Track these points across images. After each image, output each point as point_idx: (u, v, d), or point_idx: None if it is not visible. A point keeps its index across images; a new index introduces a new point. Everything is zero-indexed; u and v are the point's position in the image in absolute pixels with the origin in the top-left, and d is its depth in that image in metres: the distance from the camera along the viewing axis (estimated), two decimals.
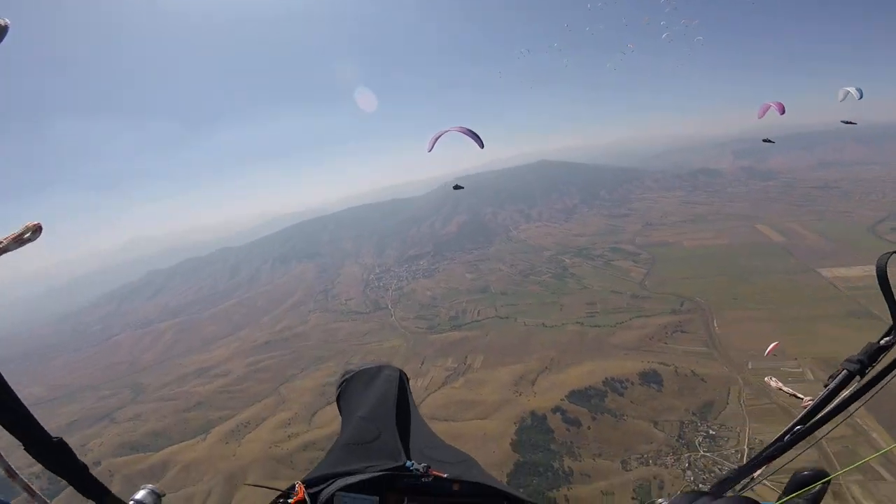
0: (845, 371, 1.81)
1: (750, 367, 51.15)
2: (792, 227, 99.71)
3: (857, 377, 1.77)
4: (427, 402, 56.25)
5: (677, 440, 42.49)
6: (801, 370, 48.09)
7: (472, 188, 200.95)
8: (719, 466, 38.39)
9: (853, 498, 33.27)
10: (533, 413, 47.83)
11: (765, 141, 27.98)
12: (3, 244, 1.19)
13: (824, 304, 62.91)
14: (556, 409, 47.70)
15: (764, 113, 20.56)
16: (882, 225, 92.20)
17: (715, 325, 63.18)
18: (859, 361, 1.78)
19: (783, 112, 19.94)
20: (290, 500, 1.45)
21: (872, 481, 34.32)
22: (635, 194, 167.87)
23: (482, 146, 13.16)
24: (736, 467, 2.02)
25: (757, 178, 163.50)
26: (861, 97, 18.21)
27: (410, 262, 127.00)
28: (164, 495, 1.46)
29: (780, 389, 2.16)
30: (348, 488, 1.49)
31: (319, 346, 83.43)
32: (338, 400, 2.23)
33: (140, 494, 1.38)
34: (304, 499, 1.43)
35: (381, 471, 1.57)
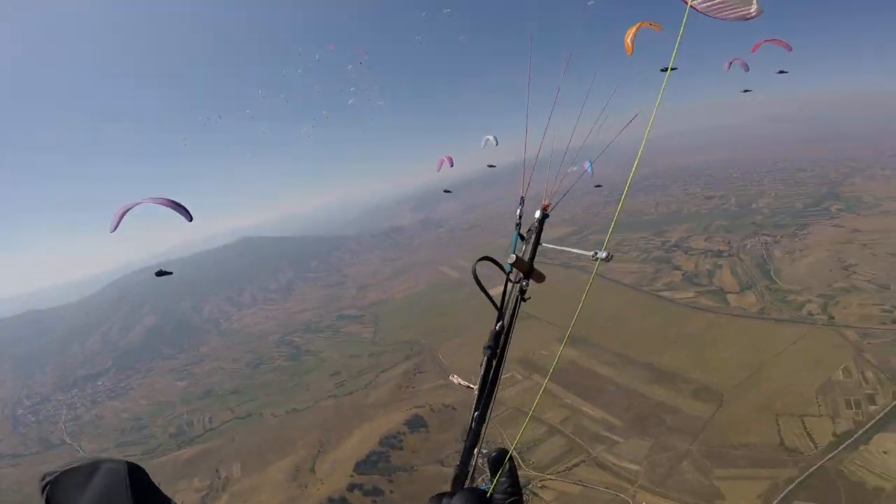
0: (485, 357, 2.40)
1: None
2: (461, 263, 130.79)
3: (495, 356, 2.37)
4: None
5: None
6: (509, 374, 60.17)
7: (153, 283, 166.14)
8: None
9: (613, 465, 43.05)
10: (330, 499, 44.10)
11: (445, 191, 34.24)
12: None
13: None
14: (351, 487, 45.32)
15: (441, 166, 24.40)
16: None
17: (441, 357, 73.88)
18: (490, 347, 2.43)
19: (452, 165, 24.39)
20: None
21: (615, 445, 45.65)
22: (344, 260, 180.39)
23: (190, 219, 11.15)
24: (456, 465, 2.33)
25: (431, 227, 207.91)
26: (497, 144, 22.88)
27: (82, 385, 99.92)
28: None
29: (459, 384, 2.63)
30: None
31: None
32: None
33: None
34: None
35: None
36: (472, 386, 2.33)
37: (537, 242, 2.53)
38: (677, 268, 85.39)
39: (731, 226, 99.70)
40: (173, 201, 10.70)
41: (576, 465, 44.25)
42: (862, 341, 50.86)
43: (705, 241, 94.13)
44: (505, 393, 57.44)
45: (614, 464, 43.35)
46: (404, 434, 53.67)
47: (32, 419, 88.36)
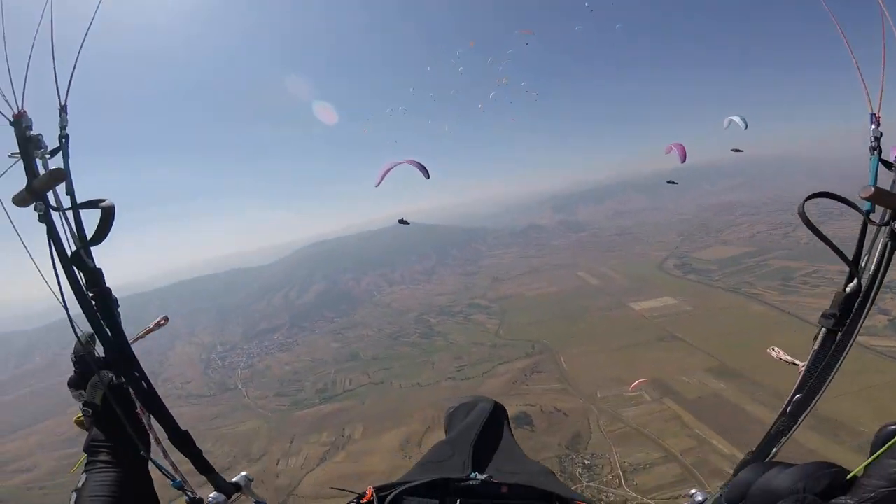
0: (823, 329, 1.76)
1: (599, 396, 57.77)
2: (603, 271, 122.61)
3: (838, 331, 1.69)
4: (306, 482, 50.04)
5: (561, 474, 44.91)
6: (637, 393, 55.33)
7: (328, 255, 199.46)
8: (605, 494, 41.23)
9: None
10: None
11: (669, 182, 29.06)
12: (140, 335, 1.61)
13: (638, 332, 76.40)
14: None
15: (669, 151, 21.23)
16: (667, 262, 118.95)
17: (563, 361, 71.43)
18: (832, 315, 1.72)
19: (684, 157, 20.84)
20: (361, 501, 1.66)
21: None
22: (482, 252, 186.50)
23: (428, 176, 13.69)
24: (749, 451, 2.00)
25: (572, 230, 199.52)
26: (746, 127, 18.89)
27: (262, 337, 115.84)
28: (252, 480, 1.73)
29: (780, 359, 2.13)
30: (411, 492, 1.69)
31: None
32: (446, 433, 2.47)
33: (237, 478, 1.69)
34: (372, 499, 1.64)
35: (437, 476, 1.77)
36: (797, 363, 1.87)
37: None
38: (884, 312, 65.07)
39: None
40: (419, 163, 13.66)
41: (683, 497, 38.25)
42: None
43: None
44: (629, 411, 52.99)
45: None
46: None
47: (220, 364, 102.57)
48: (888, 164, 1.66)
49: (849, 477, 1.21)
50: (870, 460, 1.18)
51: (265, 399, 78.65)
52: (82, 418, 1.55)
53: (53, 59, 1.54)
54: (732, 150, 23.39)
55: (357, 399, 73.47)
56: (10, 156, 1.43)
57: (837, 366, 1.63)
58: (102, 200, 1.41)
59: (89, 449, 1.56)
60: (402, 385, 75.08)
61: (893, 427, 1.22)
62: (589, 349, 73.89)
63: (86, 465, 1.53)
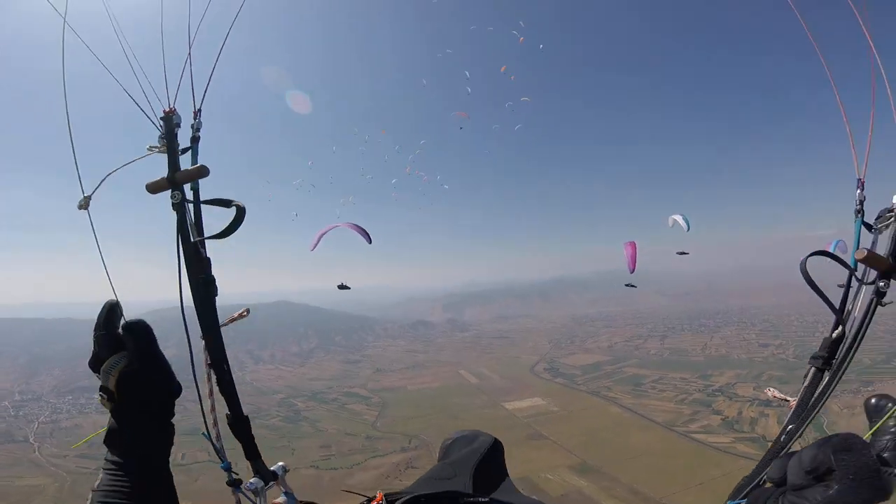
0: (813, 368, 1.93)
1: None
2: (482, 371, 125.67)
3: (826, 371, 1.90)
4: None
5: None
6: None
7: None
8: None
9: None
10: None
11: (628, 285, 24.96)
12: (226, 322, 1.64)
13: (510, 431, 76.99)
14: None
15: (630, 255, 20.70)
16: (538, 366, 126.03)
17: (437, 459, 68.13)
18: (821, 357, 1.90)
19: (633, 259, 20.28)
20: (371, 502, 1.69)
21: None
22: (368, 341, 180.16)
23: (370, 241, 13.35)
24: (744, 477, 1.94)
25: (458, 329, 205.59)
26: (688, 228, 19.05)
27: (79, 394, 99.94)
28: (288, 471, 1.75)
29: (775, 396, 2.22)
30: (421, 499, 1.71)
31: None
32: (439, 461, 2.39)
33: (275, 467, 1.73)
34: (382, 503, 1.67)
35: (449, 489, 1.77)
36: (788, 399, 2.00)
37: None
38: (717, 412, 77.54)
39: (787, 377, 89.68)
40: (360, 227, 13.36)
41: None
42: None
43: (754, 388, 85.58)
44: None
45: None
46: None
47: (11, 413, 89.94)
48: (868, 227, 1.90)
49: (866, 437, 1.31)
50: (878, 425, 1.30)
51: (63, 458, 67.42)
52: (104, 401, 1.46)
53: (191, 63, 1.64)
54: (678, 252, 22.38)
55: (188, 475, 61.54)
56: (148, 148, 1.56)
57: (824, 399, 1.80)
58: (233, 200, 1.50)
59: (106, 440, 1.47)
60: (248, 467, 63.31)
61: (876, 399, 1.40)
62: None
63: (104, 458, 1.46)
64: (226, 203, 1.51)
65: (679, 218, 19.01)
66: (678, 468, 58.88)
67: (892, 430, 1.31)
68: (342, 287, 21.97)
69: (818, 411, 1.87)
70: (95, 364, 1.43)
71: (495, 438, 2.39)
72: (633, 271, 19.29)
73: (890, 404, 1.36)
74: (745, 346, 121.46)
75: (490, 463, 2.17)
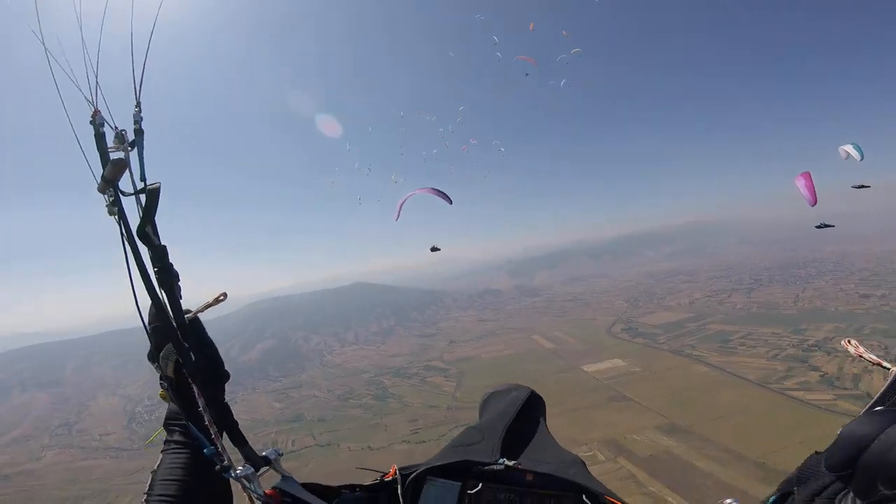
0: None
1: None
2: (557, 335, 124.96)
3: None
4: None
5: None
6: (592, 453, 55.14)
7: (280, 311, 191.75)
8: None
9: None
10: None
11: (821, 226, 22.54)
12: (199, 309, 1.59)
13: (591, 394, 77.10)
14: None
15: (808, 190, 17.64)
16: (615, 327, 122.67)
17: None
18: None
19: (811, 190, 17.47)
20: (384, 478, 1.71)
21: None
22: (440, 314, 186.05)
23: (451, 202, 13.35)
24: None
25: (527, 294, 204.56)
26: (861, 158, 16.69)
27: None
28: (282, 455, 1.71)
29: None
30: (434, 472, 1.71)
31: (63, 486, 65.84)
32: (479, 417, 2.53)
33: (266, 451, 1.68)
34: (395, 476, 1.69)
35: (461, 459, 1.77)
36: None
37: None
38: (815, 368, 70.67)
39: (893, 330, 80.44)
40: (439, 190, 13.40)
41: None
42: None
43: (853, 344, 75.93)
44: None
45: None
46: None
47: (146, 418, 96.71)
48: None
49: None
50: None
51: None
52: (164, 393, 1.63)
53: (133, 58, 1.65)
54: (854, 186, 19.86)
55: (301, 460, 69.06)
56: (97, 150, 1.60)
57: None
58: (153, 184, 1.51)
59: (166, 426, 1.62)
60: (352, 448, 70.89)
61: None
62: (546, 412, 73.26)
63: (164, 443, 1.59)
64: (143, 190, 1.51)
65: (850, 148, 17.32)
66: (775, 427, 55.19)
67: None
68: (434, 249, 22.86)
69: None
70: (154, 355, 1.58)
71: (531, 391, 2.44)
72: (814, 204, 17.05)
73: None
74: (843, 298, 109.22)
75: (525, 421, 2.17)
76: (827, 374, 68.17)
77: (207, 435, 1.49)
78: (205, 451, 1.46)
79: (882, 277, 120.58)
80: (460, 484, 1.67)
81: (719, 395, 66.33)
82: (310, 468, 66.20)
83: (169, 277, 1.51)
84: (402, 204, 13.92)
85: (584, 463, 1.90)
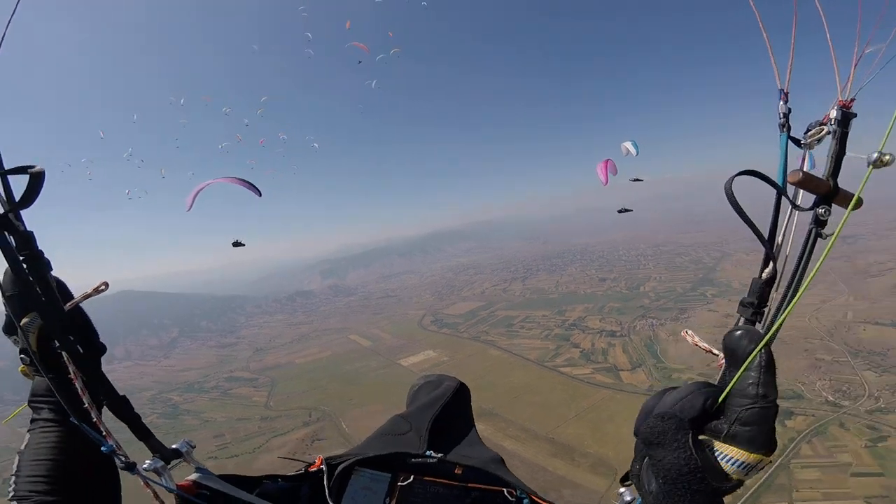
0: (742, 318, 1.44)
1: None
2: (374, 332, 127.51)
3: (757, 321, 1.41)
4: None
5: None
6: None
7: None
8: None
9: None
10: None
11: (622, 210, 25.21)
12: (78, 300, 1.45)
13: (409, 387, 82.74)
14: None
15: (604, 172, 19.89)
16: (424, 320, 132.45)
17: (344, 426, 69.06)
18: (750, 304, 1.41)
19: (609, 173, 19.52)
20: (309, 469, 1.66)
21: None
22: (240, 321, 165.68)
23: (260, 194, 12.10)
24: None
25: (341, 294, 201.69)
26: (637, 153, 18.90)
27: None
28: (195, 447, 1.61)
29: (697, 345, 1.79)
30: (364, 464, 1.66)
31: None
32: (407, 407, 2.50)
33: (177, 444, 1.58)
34: (322, 468, 1.61)
35: (392, 450, 1.73)
36: (715, 353, 1.47)
37: (842, 152, 1.34)
38: (576, 345, 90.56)
39: (623, 307, 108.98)
40: (244, 180, 11.81)
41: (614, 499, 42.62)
42: None
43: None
44: None
45: None
46: None
47: None
48: (797, 142, 1.47)
49: (720, 400, 1.16)
50: (736, 378, 1.13)
51: None
52: (26, 368, 1.46)
53: None
54: (631, 179, 21.97)
55: None
56: None
57: (752, 357, 1.18)
58: (32, 167, 1.35)
59: (31, 404, 1.45)
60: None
61: (739, 333, 1.21)
62: (369, 409, 73.39)
63: (30, 422, 1.42)
64: (23, 170, 1.35)
65: (629, 145, 19.69)
66: (554, 403, 68.15)
67: (751, 384, 1.09)
68: (237, 244, 20.81)
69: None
70: (9, 328, 1.42)
71: (460, 383, 2.43)
72: (605, 183, 19.30)
73: (752, 346, 1.15)
74: (588, 282, 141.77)
75: (451, 413, 2.18)
76: (584, 349, 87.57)
77: (93, 424, 1.36)
78: (102, 449, 1.32)
79: (612, 263, 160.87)
80: (390, 475, 1.65)
81: (511, 375, 79.77)
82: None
83: (40, 265, 1.37)
84: (197, 192, 12.52)
85: (503, 461, 1.98)
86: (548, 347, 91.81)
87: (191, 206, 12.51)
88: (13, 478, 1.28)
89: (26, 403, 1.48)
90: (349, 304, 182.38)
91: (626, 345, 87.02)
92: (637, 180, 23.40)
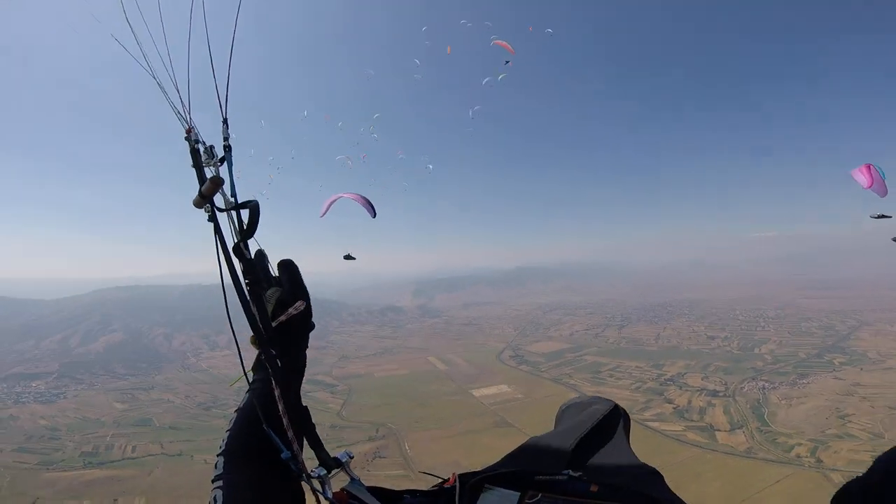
0: None
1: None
2: (451, 357, 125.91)
3: None
4: None
5: None
6: None
7: (137, 302, 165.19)
8: None
9: None
10: None
11: (879, 217, 20.20)
12: (282, 319, 1.64)
13: (478, 418, 78.08)
14: None
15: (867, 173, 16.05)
16: (504, 353, 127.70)
17: (406, 447, 67.66)
18: None
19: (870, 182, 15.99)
20: (444, 486, 1.68)
21: None
22: (333, 327, 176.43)
23: (374, 215, 13.11)
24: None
25: (428, 315, 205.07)
26: (884, 177, 14.91)
27: (13, 382, 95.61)
28: (353, 458, 1.71)
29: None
30: (494, 481, 1.63)
31: None
32: (555, 427, 2.32)
33: (338, 454, 1.68)
34: (455, 484, 1.62)
35: (521, 468, 1.69)
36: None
37: None
38: (669, 401, 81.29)
39: (731, 368, 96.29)
40: (365, 198, 13.22)
41: None
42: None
43: (702, 379, 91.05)
44: None
45: None
46: None
47: None
48: None
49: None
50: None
51: (2, 452, 64.24)
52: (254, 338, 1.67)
53: (214, 76, 1.70)
54: (873, 216, 18.85)
55: (141, 469, 60.23)
56: (192, 166, 1.68)
57: None
58: (251, 201, 1.60)
59: (254, 367, 1.69)
60: (208, 460, 60.96)
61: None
62: (434, 434, 72.20)
63: (249, 385, 1.64)
64: (244, 205, 1.61)
65: (869, 171, 15.95)
66: (638, 456, 61.19)
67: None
68: (348, 258, 21.81)
69: None
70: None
71: (614, 405, 2.21)
72: (870, 184, 15.42)
73: None
74: (694, 338, 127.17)
75: (599, 432, 2.01)
76: (678, 406, 78.33)
77: (284, 437, 1.50)
78: (282, 455, 1.47)
79: (725, 321, 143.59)
80: (519, 494, 1.58)
81: None
82: (151, 478, 57.75)
83: (260, 289, 1.64)
84: (331, 203, 13.81)
85: (659, 474, 1.83)
86: (637, 399, 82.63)
87: (324, 213, 13.93)
88: (227, 433, 1.53)
89: (248, 371, 1.69)
90: (433, 325, 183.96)
91: (728, 405, 76.91)
92: (883, 216, 18.29)
